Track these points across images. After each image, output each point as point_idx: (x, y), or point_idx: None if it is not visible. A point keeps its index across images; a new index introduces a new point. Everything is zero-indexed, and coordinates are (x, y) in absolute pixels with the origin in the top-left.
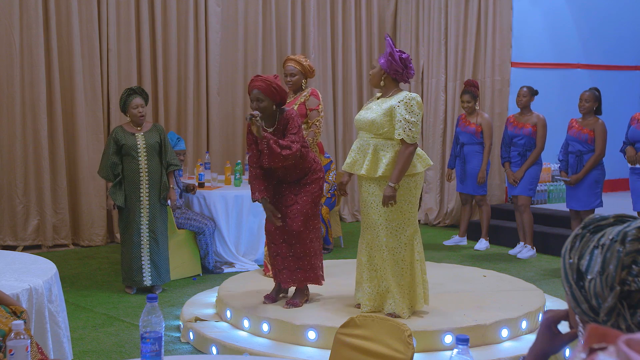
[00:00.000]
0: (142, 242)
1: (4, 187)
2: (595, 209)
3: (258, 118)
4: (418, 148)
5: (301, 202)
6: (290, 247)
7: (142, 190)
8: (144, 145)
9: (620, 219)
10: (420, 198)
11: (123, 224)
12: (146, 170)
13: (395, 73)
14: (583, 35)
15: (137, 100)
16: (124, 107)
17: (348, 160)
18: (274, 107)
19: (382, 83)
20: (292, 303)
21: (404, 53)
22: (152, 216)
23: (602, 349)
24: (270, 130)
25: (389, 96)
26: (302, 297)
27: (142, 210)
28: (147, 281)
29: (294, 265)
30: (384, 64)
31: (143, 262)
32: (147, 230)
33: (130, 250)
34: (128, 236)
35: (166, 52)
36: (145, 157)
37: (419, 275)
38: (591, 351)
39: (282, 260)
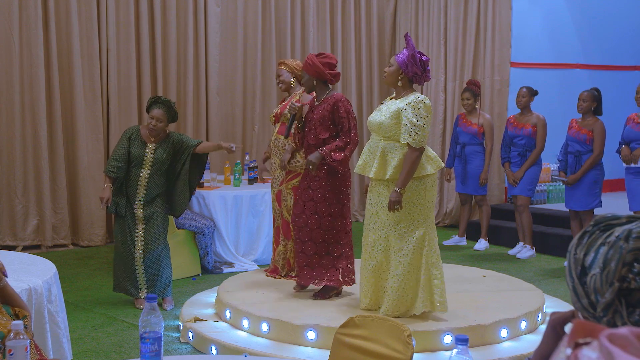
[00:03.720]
0: (135, 256)
1: (3, 187)
2: (595, 209)
3: (293, 109)
4: (429, 149)
5: (313, 197)
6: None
7: (137, 202)
8: (151, 159)
9: (632, 219)
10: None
11: (118, 233)
12: (145, 183)
13: (414, 75)
14: (582, 36)
15: (156, 111)
16: (147, 111)
17: (360, 162)
18: (314, 82)
19: (399, 83)
20: (317, 294)
21: (424, 55)
22: (147, 229)
23: (587, 343)
24: (317, 103)
25: (400, 97)
26: (329, 291)
27: (137, 222)
28: (143, 294)
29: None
30: (403, 64)
31: (137, 276)
32: (142, 244)
33: (123, 262)
34: (120, 244)
35: (165, 53)
36: (149, 171)
37: (426, 279)
38: (576, 346)
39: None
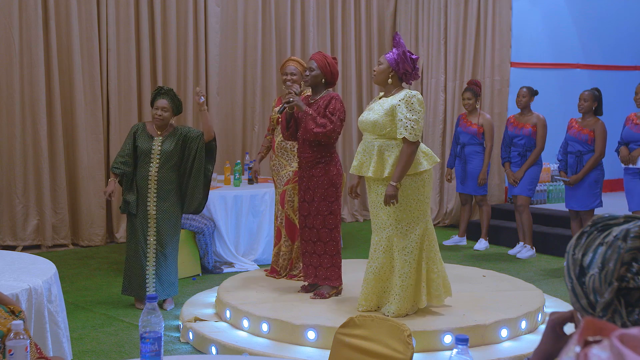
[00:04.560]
0: (147, 254)
1: (4, 187)
2: (595, 209)
3: (293, 100)
4: (424, 145)
5: (314, 197)
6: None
7: (149, 200)
8: (159, 151)
9: (629, 219)
10: None
11: (129, 232)
12: (156, 178)
13: (405, 73)
14: (582, 36)
15: (161, 101)
16: (151, 105)
17: (355, 163)
18: (322, 80)
19: (390, 81)
20: (318, 293)
21: (413, 54)
22: (160, 228)
23: (597, 342)
24: (312, 101)
25: (391, 95)
26: (329, 290)
27: (149, 221)
28: (151, 292)
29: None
30: (393, 62)
31: (147, 275)
32: (155, 243)
33: (135, 261)
34: (133, 246)
35: (166, 52)
36: (157, 165)
37: (424, 274)
38: (586, 344)
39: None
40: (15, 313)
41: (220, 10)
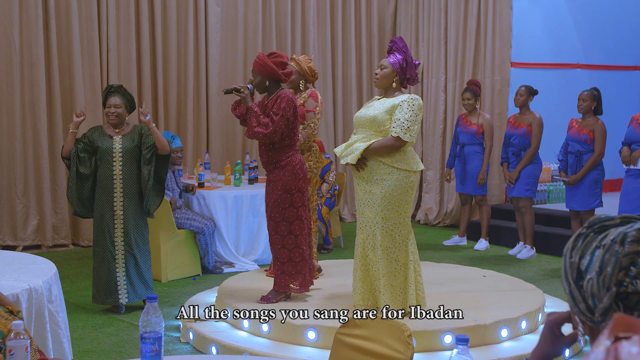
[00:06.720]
0: (116, 257)
1: (4, 187)
2: (595, 209)
3: (242, 90)
4: (413, 152)
5: (268, 203)
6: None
7: (115, 199)
8: (120, 150)
9: (626, 220)
10: (420, 199)
11: (96, 236)
12: (121, 177)
13: (408, 78)
14: (583, 35)
15: (113, 99)
16: (103, 106)
17: (344, 154)
18: (267, 82)
19: (394, 85)
20: (264, 298)
21: (414, 59)
22: (127, 228)
23: (627, 338)
24: (266, 102)
25: (392, 97)
26: (276, 295)
27: (115, 221)
28: (123, 299)
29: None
30: (398, 67)
31: (118, 279)
32: (123, 244)
33: (104, 265)
34: (100, 249)
35: (166, 52)
36: (121, 163)
37: (412, 276)
38: (616, 339)
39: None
40: (14, 313)
41: (220, 10)
